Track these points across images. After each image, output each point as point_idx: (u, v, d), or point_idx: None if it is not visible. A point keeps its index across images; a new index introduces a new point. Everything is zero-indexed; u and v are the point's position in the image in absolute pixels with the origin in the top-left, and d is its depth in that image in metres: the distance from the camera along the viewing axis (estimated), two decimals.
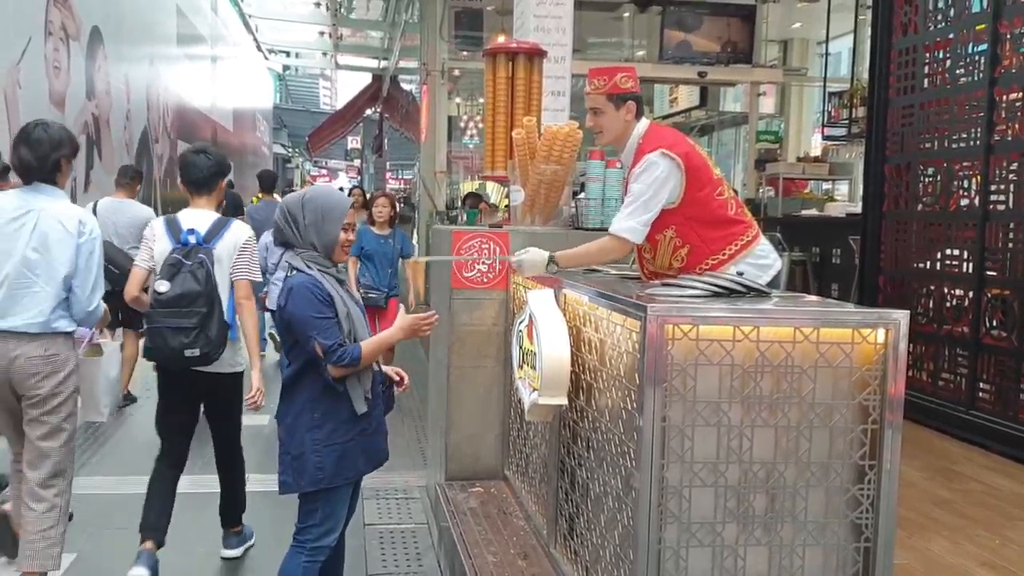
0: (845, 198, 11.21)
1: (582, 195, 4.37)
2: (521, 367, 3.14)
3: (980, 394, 4.90)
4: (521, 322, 3.16)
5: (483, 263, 4.08)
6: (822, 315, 2.33)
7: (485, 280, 4.11)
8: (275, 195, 8.62)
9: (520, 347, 3.15)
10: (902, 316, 2.27)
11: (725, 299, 2.51)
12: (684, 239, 3.22)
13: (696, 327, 2.23)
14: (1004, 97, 4.76)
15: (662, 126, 3.48)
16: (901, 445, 2.31)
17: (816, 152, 12.92)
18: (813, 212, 9.48)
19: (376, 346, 2.89)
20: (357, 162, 40.10)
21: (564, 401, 2.86)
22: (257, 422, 6.05)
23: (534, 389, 2.91)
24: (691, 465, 2.26)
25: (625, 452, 2.42)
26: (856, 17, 9.70)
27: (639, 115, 3.29)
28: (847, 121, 9.97)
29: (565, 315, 2.96)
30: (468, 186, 16.12)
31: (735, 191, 3.48)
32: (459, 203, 11.64)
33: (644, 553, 2.23)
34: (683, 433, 2.25)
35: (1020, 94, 4.66)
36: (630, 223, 3.17)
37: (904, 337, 2.27)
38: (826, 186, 12.04)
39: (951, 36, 5.19)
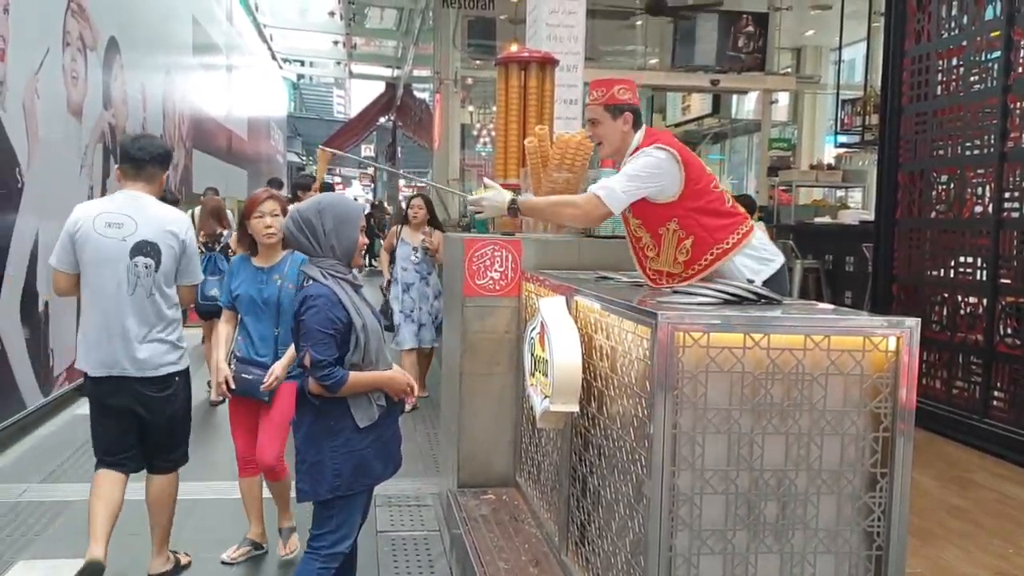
0: (858, 205, 11.19)
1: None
2: (533, 374, 3.15)
3: (994, 402, 4.87)
4: (533, 329, 3.18)
5: (495, 271, 4.09)
6: (833, 323, 2.33)
7: (497, 287, 4.12)
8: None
9: (532, 354, 3.17)
10: (913, 323, 2.26)
11: (736, 306, 2.51)
12: (687, 230, 3.24)
13: (707, 334, 2.24)
14: (1018, 104, 4.74)
15: (658, 132, 3.54)
16: (914, 453, 2.30)
17: (829, 159, 12.91)
18: (826, 219, 9.47)
19: (362, 384, 2.85)
20: (371, 170, 40.25)
21: (575, 408, 2.87)
22: None
23: (546, 396, 2.92)
24: (702, 472, 2.27)
25: (636, 459, 2.43)
26: (869, 24, 9.71)
27: (637, 126, 3.34)
28: (860, 128, 9.97)
29: (577, 322, 2.98)
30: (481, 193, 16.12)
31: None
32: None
33: (655, 560, 2.24)
34: (694, 440, 2.26)
35: None
36: (611, 185, 3.22)
37: (915, 344, 2.27)
38: (839, 193, 12.02)
39: (964, 43, 5.18)
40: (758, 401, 2.28)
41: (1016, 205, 4.75)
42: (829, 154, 13.63)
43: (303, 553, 2.97)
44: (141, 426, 3.62)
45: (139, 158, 3.61)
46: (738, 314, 2.34)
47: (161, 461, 3.74)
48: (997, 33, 4.89)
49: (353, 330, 2.82)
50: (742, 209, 3.40)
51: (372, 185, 39.55)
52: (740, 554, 2.30)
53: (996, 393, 4.89)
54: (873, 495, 2.32)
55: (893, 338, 2.28)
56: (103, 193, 7.89)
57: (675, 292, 2.76)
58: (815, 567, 2.33)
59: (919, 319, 2.29)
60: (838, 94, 10.86)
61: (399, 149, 27.18)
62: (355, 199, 20.83)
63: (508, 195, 3.49)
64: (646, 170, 3.17)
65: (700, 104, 14.90)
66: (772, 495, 2.31)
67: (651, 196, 3.21)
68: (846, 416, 2.30)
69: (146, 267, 3.51)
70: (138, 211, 3.56)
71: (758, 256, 3.28)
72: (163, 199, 6.05)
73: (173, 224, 3.61)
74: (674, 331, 2.22)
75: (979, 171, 5.05)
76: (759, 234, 3.37)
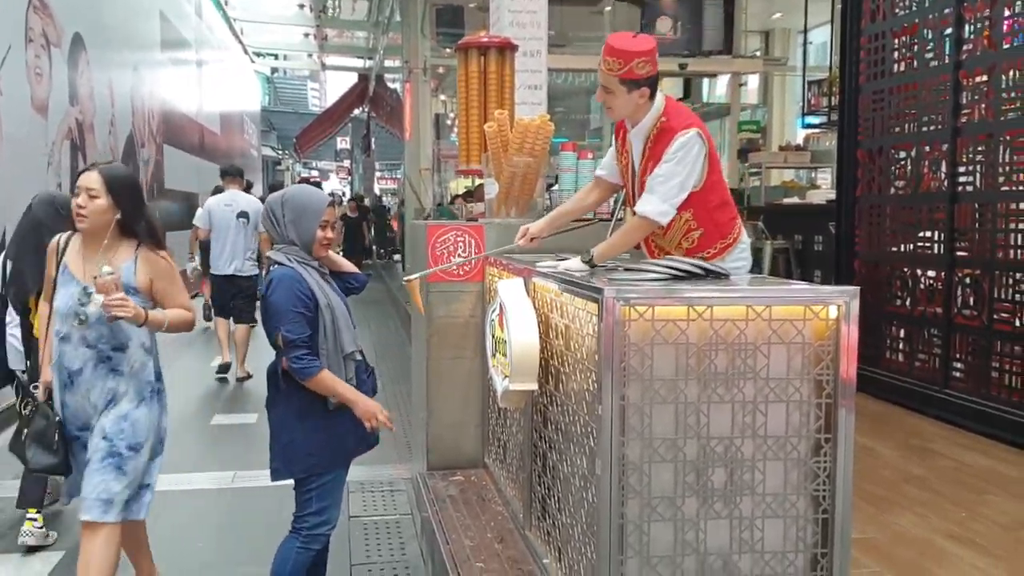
0: (828, 185, 11.29)
1: (556, 186, 4.43)
2: (494, 355, 3.20)
3: (954, 373, 4.97)
4: (493, 311, 3.23)
5: (459, 256, 4.13)
6: (773, 293, 2.40)
7: (461, 272, 4.16)
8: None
9: (493, 336, 3.22)
10: (852, 292, 2.33)
11: (684, 281, 2.57)
12: (699, 223, 3.25)
13: (651, 308, 2.30)
14: (969, 80, 4.83)
15: (677, 103, 3.39)
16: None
17: (799, 141, 13.01)
18: (795, 200, 9.56)
19: (333, 387, 2.87)
20: (347, 162, 40.10)
21: (534, 386, 2.93)
22: (245, 420, 6.12)
23: (506, 376, 2.97)
24: (650, 441, 2.32)
25: (589, 432, 2.49)
26: (833, 6, 9.76)
27: (653, 96, 3.18)
28: (827, 109, 10.06)
29: (534, 303, 3.03)
30: (456, 185, 16.16)
31: None
32: (449, 202, 11.63)
33: (607, 528, 2.30)
34: (642, 411, 2.31)
35: (985, 76, 4.73)
36: (664, 207, 3.11)
37: (855, 312, 2.33)
38: (812, 174, 12.13)
39: (917, 21, 5.25)
40: (703, 371, 2.34)
41: (970, 179, 4.84)
42: (801, 136, 13.74)
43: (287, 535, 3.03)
44: (233, 296, 7.65)
45: (232, 173, 8.17)
46: (681, 287, 2.40)
47: (243, 315, 7.70)
48: (948, 10, 4.96)
49: (319, 310, 2.87)
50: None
51: (349, 178, 39.40)
52: (690, 520, 2.37)
53: (956, 364, 4.98)
54: (818, 460, 2.39)
55: (834, 307, 2.34)
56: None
57: (626, 269, 2.82)
58: (763, 531, 2.40)
59: (858, 288, 2.35)
60: (804, 75, 10.95)
61: (373, 141, 27.11)
62: (331, 193, 20.77)
63: (579, 260, 3.13)
64: (690, 166, 3.10)
65: (671, 89, 14.96)
66: (719, 462, 2.37)
67: None
68: (790, 384, 2.37)
69: (243, 223, 7.59)
70: (238, 198, 7.80)
71: (741, 257, 3.36)
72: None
73: (253, 203, 7.76)
74: (619, 306, 2.27)
75: (935, 147, 5.13)
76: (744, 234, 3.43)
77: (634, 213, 3.30)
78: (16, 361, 3.94)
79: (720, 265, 2.92)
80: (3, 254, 4.05)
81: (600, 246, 3.18)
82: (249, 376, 7.60)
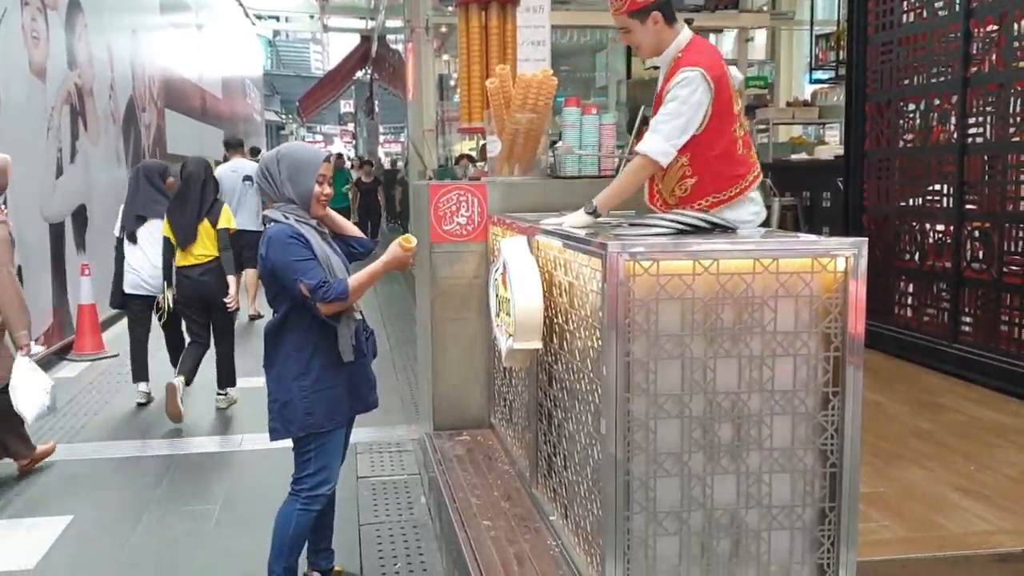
0: (836, 141, 11.15)
1: (559, 144, 4.37)
2: (498, 315, 3.18)
3: (963, 327, 4.93)
4: (496, 270, 3.20)
5: (462, 216, 4.09)
6: (780, 246, 2.35)
7: (464, 233, 4.13)
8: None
9: (496, 295, 3.19)
10: (860, 243, 2.29)
11: (691, 236, 2.53)
12: (695, 170, 3.18)
13: (656, 263, 2.26)
14: (980, 29, 4.72)
15: (705, 42, 3.30)
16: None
17: (807, 96, 12.84)
18: (803, 156, 9.44)
19: (364, 279, 2.94)
20: (351, 126, 39.90)
21: (539, 345, 2.90)
22: (254, 384, 6.13)
23: (509, 335, 2.95)
24: (656, 398, 2.30)
25: (594, 389, 2.47)
26: None
27: (670, 20, 3.16)
28: (834, 63, 9.91)
29: (537, 261, 2.99)
30: (462, 146, 16.03)
31: (747, 130, 3.40)
32: (454, 163, 11.53)
33: (612, 485, 2.28)
34: (647, 367, 2.29)
35: (995, 25, 4.63)
36: (665, 146, 3.07)
37: (863, 264, 2.29)
38: (821, 131, 11.97)
39: None
40: (710, 326, 2.31)
41: (980, 131, 4.75)
42: (808, 91, 13.55)
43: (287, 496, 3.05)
44: (241, 247, 7.21)
45: (233, 144, 9.41)
46: (687, 241, 2.36)
47: (251, 262, 7.91)
48: None
49: (317, 263, 2.86)
50: (754, 157, 3.32)
51: (353, 142, 39.23)
52: (696, 476, 2.35)
53: (964, 318, 4.94)
54: (826, 414, 2.37)
55: (841, 258, 2.30)
56: (72, 155, 7.82)
57: (631, 224, 2.78)
58: (771, 486, 2.38)
59: (866, 239, 2.31)
60: (812, 30, 10.77)
61: (376, 103, 26.91)
62: (340, 156, 20.65)
63: (583, 214, 3.11)
64: (693, 107, 3.05)
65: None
66: (726, 417, 2.35)
67: None
68: (797, 337, 2.34)
69: (247, 186, 8.63)
70: (242, 164, 8.97)
71: (746, 212, 3.28)
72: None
73: (254, 168, 6.84)
74: (624, 261, 2.24)
75: (944, 98, 5.04)
76: (756, 192, 3.33)
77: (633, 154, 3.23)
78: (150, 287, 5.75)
79: (724, 217, 2.88)
80: (123, 206, 5.89)
81: (601, 194, 3.16)
82: (260, 315, 9.01)
